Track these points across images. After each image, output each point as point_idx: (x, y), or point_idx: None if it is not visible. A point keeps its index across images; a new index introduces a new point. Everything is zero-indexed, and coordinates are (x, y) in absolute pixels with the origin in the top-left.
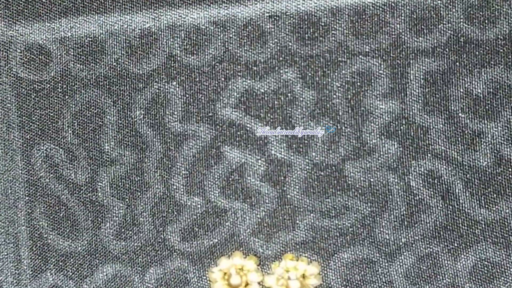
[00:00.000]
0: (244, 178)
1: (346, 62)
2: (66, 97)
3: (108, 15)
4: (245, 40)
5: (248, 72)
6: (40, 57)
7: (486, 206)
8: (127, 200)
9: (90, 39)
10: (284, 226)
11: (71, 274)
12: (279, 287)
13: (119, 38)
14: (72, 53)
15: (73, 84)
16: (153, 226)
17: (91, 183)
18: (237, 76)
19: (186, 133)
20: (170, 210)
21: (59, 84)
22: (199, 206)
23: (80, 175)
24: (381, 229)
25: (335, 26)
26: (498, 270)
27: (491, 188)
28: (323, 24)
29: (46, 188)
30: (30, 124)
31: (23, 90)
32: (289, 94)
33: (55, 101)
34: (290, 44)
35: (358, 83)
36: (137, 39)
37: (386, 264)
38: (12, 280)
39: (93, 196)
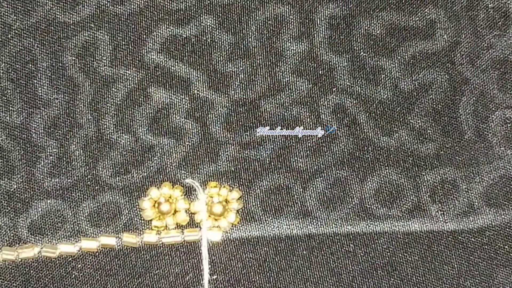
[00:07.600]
0: (169, 116)
1: (259, 8)
2: (1, 45)
3: None
4: None
5: (171, 20)
6: None
7: (388, 134)
8: (60, 139)
9: None
10: (207, 158)
11: (6, 211)
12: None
13: None
14: (5, 5)
15: (7, 33)
16: (85, 163)
17: (25, 124)
18: (161, 23)
19: (115, 76)
20: (101, 148)
21: None
22: (128, 143)
23: (15, 118)
24: (296, 158)
25: None
26: (400, 191)
27: (391, 117)
28: None
29: None
30: None
31: None
32: (209, 39)
33: None
34: None
35: (271, 28)
36: None
37: (301, 190)
38: None
39: (28, 137)
